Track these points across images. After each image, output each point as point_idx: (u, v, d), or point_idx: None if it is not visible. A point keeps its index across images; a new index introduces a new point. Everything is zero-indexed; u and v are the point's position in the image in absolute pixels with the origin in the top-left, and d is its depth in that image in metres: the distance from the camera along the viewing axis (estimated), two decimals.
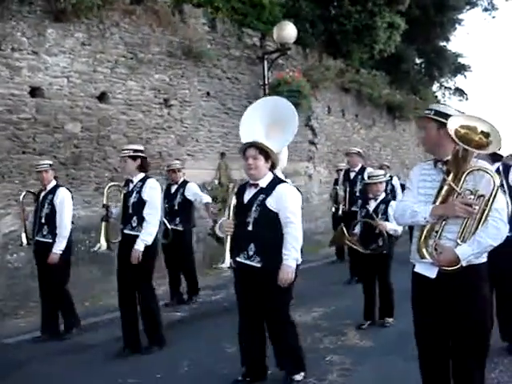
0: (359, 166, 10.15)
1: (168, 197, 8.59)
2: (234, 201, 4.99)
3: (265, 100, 7.03)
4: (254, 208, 4.83)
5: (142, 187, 6.17)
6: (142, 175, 6.27)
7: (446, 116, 3.61)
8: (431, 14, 20.73)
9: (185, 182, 8.80)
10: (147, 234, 6.02)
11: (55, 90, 8.97)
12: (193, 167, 11.08)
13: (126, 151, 6.37)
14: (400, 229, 6.77)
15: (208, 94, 11.80)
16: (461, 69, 25.35)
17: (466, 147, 3.38)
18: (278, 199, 4.83)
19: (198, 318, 7.68)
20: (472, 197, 3.47)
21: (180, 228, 8.51)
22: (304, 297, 7.27)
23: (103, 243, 6.46)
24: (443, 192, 3.56)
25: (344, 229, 7.10)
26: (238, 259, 4.86)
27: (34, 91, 8.72)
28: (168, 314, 7.41)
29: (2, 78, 8.29)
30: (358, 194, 9.79)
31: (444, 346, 3.67)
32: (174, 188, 8.77)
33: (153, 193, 6.16)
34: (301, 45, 14.65)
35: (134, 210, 6.13)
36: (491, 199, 3.45)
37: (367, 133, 17.87)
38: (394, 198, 10.81)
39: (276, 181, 4.97)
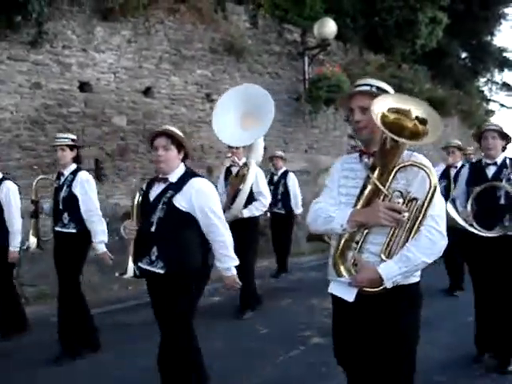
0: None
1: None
2: (138, 198, 4.29)
3: (236, 90, 7.03)
4: (159, 206, 4.08)
5: (72, 180, 5.64)
6: (73, 167, 5.76)
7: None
8: (475, 8, 20.58)
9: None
10: (100, 234, 5.60)
11: (103, 85, 9.45)
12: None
13: (62, 139, 5.82)
14: None
15: None
16: (506, 63, 25.05)
17: (395, 137, 2.68)
18: (189, 197, 4.07)
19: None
20: (400, 200, 2.81)
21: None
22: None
23: (32, 241, 6.14)
24: (366, 193, 2.88)
25: None
26: (140, 265, 4.15)
27: (83, 86, 9.22)
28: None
29: (54, 73, 8.80)
30: None
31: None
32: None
33: (86, 187, 5.64)
34: (342, 40, 14.84)
35: (65, 206, 5.63)
36: (426, 204, 2.79)
37: None
38: None
39: (188, 174, 4.20)
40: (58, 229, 5.69)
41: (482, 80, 26.22)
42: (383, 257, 2.83)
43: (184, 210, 4.05)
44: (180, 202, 4.04)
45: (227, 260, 4.25)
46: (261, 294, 7.60)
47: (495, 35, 24.36)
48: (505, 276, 5.11)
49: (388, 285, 2.79)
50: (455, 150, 8.40)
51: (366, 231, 2.88)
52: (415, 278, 2.98)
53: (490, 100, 26.44)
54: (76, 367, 5.38)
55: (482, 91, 26.09)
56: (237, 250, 6.87)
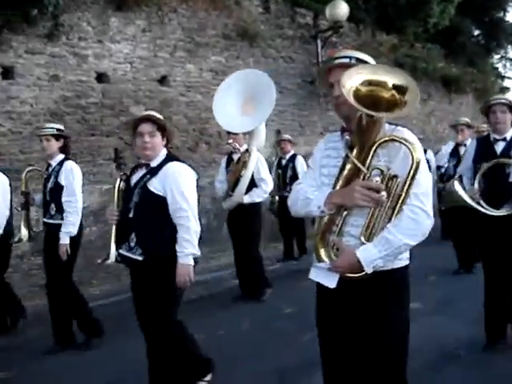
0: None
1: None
2: (119, 184, 4.32)
3: (237, 75, 6.91)
4: (136, 191, 4.07)
5: (59, 171, 5.59)
6: (61, 157, 5.71)
7: None
8: None
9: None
10: (69, 225, 5.45)
11: (119, 76, 9.55)
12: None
13: (47, 129, 5.79)
14: None
15: None
16: None
17: (369, 112, 2.48)
18: (165, 180, 4.03)
19: None
20: (378, 179, 2.60)
21: None
22: None
23: (24, 233, 6.09)
24: (346, 172, 2.68)
25: None
26: (120, 251, 4.15)
27: (100, 77, 9.33)
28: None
29: (71, 65, 8.91)
30: None
31: (352, 373, 2.86)
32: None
33: (70, 177, 5.55)
34: (354, 21, 14.78)
35: (51, 197, 5.61)
36: (408, 181, 2.58)
37: (422, 107, 17.83)
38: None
39: (168, 159, 4.17)
40: (46, 220, 5.68)
41: (496, 57, 26.01)
42: (363, 239, 2.65)
43: (158, 193, 4.02)
44: (155, 185, 4.02)
45: (188, 245, 4.00)
46: (280, 276, 7.73)
47: (508, 11, 24.13)
48: None
49: (368, 270, 2.61)
50: (464, 128, 8.23)
51: (345, 213, 2.69)
52: (402, 262, 2.81)
53: (504, 77, 26.20)
54: (85, 356, 5.44)
55: (497, 68, 25.88)
56: (240, 237, 7.25)
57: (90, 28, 9.17)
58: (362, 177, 2.62)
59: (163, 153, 4.19)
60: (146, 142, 4.07)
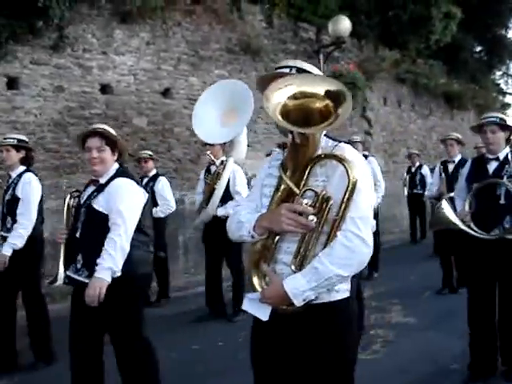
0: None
1: None
2: (68, 201, 4.20)
3: (217, 85, 6.53)
4: (82, 209, 3.88)
5: (17, 183, 5.37)
6: (21, 169, 5.48)
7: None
8: (489, 2, 20.56)
9: None
10: (16, 237, 5.18)
11: (123, 87, 9.64)
12: (252, 158, 11.56)
13: (8, 140, 5.54)
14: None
15: None
16: None
17: (296, 129, 2.25)
18: (109, 197, 3.82)
19: None
20: (306, 201, 2.31)
21: None
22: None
23: None
24: (279, 193, 2.44)
25: None
26: (67, 273, 3.93)
27: (104, 88, 9.42)
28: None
29: (75, 76, 9.01)
30: None
31: None
32: None
33: (27, 189, 5.32)
34: (356, 37, 14.91)
35: (8, 209, 5.39)
36: (344, 204, 2.31)
37: (424, 123, 17.97)
38: (424, 187, 11.08)
39: (116, 175, 3.93)
40: (3, 233, 5.42)
41: (498, 73, 26.18)
42: (293, 268, 2.39)
43: (103, 211, 3.80)
44: (101, 203, 3.81)
45: (109, 260, 3.70)
46: None
47: (510, 28, 24.34)
48: (505, 285, 4.62)
49: (297, 302, 2.32)
50: (453, 143, 7.78)
51: (277, 238, 2.43)
52: (340, 294, 2.46)
53: (506, 93, 26.38)
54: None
55: (498, 84, 26.06)
56: (217, 252, 7.03)
57: (95, 40, 9.27)
58: (294, 199, 2.36)
59: (114, 168, 3.96)
60: (94, 157, 3.84)
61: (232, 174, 6.79)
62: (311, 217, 2.28)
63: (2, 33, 7.88)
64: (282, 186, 2.41)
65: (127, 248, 3.76)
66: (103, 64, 9.38)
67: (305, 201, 2.30)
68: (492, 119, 4.70)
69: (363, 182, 2.36)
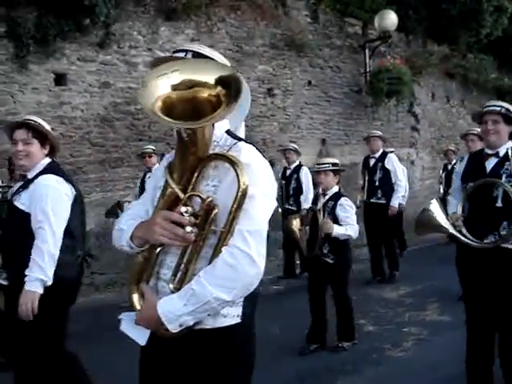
0: (380, 151, 8.91)
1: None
2: None
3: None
4: (5, 206, 3.67)
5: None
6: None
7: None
8: None
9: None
10: None
11: None
12: None
13: None
14: (354, 233, 5.43)
15: (310, 82, 12.26)
16: None
17: (180, 124, 1.93)
18: (33, 195, 3.50)
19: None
20: (187, 209, 1.97)
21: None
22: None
23: None
24: (166, 198, 2.09)
25: (297, 218, 5.91)
26: None
27: None
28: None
29: (121, 73, 9.21)
30: (377, 183, 8.72)
31: None
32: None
33: None
34: (404, 31, 14.75)
35: None
36: (232, 214, 1.97)
37: None
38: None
39: (44, 171, 3.62)
40: None
41: None
42: (171, 287, 2.05)
43: (24, 209, 3.52)
44: (23, 200, 3.54)
45: (37, 270, 3.38)
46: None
47: None
48: (502, 299, 3.90)
49: (172, 328, 1.98)
50: (475, 139, 6.97)
51: (158, 250, 2.12)
52: (228, 320, 2.10)
53: None
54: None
55: None
56: None
57: (141, 37, 9.45)
58: (180, 206, 2.00)
59: (43, 163, 3.66)
60: (19, 150, 3.58)
61: None
62: (188, 228, 1.94)
63: (51, 31, 8.14)
64: (168, 190, 2.06)
65: (56, 253, 3.45)
66: (148, 60, 9.54)
67: (184, 209, 1.96)
68: (495, 108, 4.01)
69: (259, 189, 2.02)
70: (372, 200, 8.69)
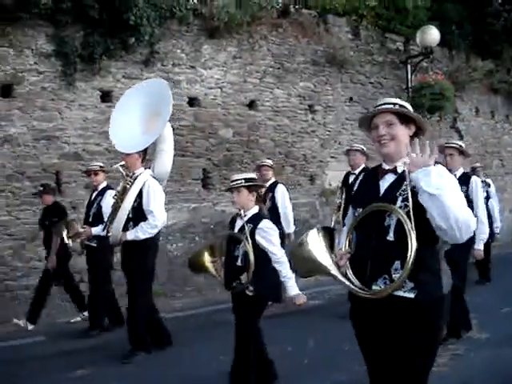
0: (361, 166, 7.64)
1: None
2: None
3: (136, 89, 6.16)
4: None
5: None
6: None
7: None
8: None
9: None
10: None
11: (210, 100, 10.00)
12: (336, 169, 11.62)
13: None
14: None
15: (351, 99, 12.31)
16: None
17: None
18: None
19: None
20: None
21: None
22: None
23: None
24: None
25: (212, 247, 4.90)
26: None
27: (192, 101, 9.82)
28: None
29: None
30: None
31: None
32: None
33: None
34: (447, 46, 14.68)
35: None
36: None
37: None
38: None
39: None
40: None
41: None
42: None
43: None
44: None
45: None
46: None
47: None
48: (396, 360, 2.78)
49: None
50: (454, 153, 6.08)
51: None
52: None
53: None
54: (181, 355, 5.80)
55: None
56: (128, 279, 5.79)
57: (184, 55, 9.68)
58: None
59: None
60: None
61: (145, 190, 5.66)
62: None
63: (97, 49, 8.43)
64: None
65: None
66: (191, 78, 9.77)
67: None
68: (387, 106, 2.91)
69: None
70: None
